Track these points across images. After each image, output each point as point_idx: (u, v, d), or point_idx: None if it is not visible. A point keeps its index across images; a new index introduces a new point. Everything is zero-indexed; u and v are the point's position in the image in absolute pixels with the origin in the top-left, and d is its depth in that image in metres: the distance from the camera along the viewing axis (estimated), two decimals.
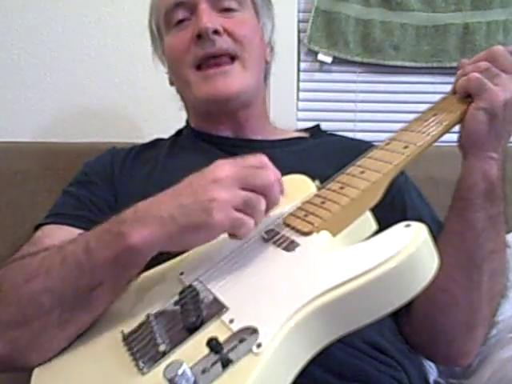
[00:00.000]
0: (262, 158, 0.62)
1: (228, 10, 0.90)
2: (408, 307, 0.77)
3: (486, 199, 0.73)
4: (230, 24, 0.88)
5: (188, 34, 0.88)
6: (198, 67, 0.88)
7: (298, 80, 1.43)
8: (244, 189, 0.59)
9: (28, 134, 1.35)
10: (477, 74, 0.71)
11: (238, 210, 0.58)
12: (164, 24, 0.92)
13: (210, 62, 0.87)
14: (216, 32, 0.85)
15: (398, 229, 0.55)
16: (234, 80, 0.87)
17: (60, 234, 0.80)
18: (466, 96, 0.73)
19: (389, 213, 0.69)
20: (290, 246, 0.61)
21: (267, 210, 0.61)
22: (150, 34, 1.00)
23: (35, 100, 1.36)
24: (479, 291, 0.75)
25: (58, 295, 0.61)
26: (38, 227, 0.84)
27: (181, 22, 0.89)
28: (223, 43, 0.87)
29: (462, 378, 0.96)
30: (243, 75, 0.89)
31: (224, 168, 0.60)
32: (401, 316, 0.79)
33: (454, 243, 0.75)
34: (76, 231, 0.81)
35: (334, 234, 0.62)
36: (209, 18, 0.85)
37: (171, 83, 1.00)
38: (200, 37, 0.85)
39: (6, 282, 0.66)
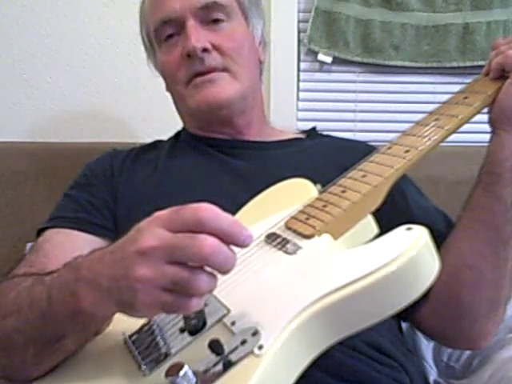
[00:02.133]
0: (201, 213, 0.49)
1: (216, 21, 0.90)
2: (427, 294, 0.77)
3: None
4: (219, 38, 0.88)
5: (178, 52, 0.88)
6: (189, 82, 0.89)
7: (298, 80, 1.43)
8: (174, 263, 0.48)
9: (28, 134, 1.35)
10: None
11: (167, 290, 0.49)
12: (154, 39, 0.93)
13: (198, 77, 0.88)
14: (205, 50, 0.86)
15: (400, 232, 0.55)
16: (222, 87, 0.88)
17: (59, 238, 0.82)
18: (498, 77, 0.75)
19: (392, 212, 0.69)
20: (292, 249, 0.61)
21: (222, 272, 0.50)
22: (142, 44, 1.01)
23: (35, 100, 1.36)
24: (505, 268, 0.75)
25: (28, 337, 0.60)
26: (39, 232, 0.85)
27: (170, 36, 0.90)
28: (212, 60, 0.87)
29: (462, 378, 0.97)
30: (233, 84, 0.89)
31: (152, 233, 0.50)
32: (420, 304, 0.77)
33: (482, 219, 0.76)
34: (75, 233, 0.83)
35: (336, 237, 0.63)
36: (197, 38, 0.86)
37: (167, 90, 1.01)
38: (189, 56, 0.86)
39: None
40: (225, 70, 0.89)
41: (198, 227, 0.48)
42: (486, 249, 0.75)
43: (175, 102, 0.98)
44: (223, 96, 0.88)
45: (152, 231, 0.50)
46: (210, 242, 0.47)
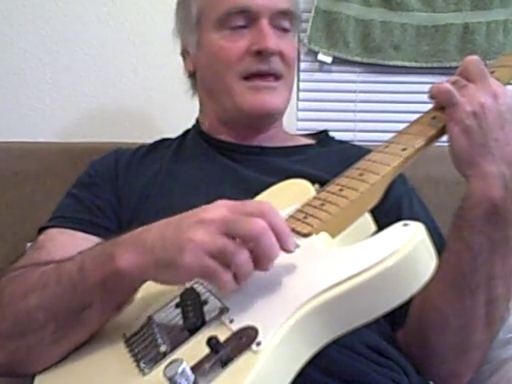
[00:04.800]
0: (264, 207, 0.55)
1: (284, 29, 0.91)
2: (404, 320, 0.76)
3: (486, 222, 0.67)
4: (284, 45, 0.90)
5: (243, 43, 0.88)
6: (245, 78, 0.89)
7: (298, 80, 1.43)
8: (228, 236, 0.54)
9: (28, 134, 1.35)
10: (447, 85, 0.68)
11: (213, 257, 0.53)
12: (216, 21, 0.90)
13: (257, 77, 0.88)
14: (273, 53, 0.88)
15: (396, 228, 0.55)
16: (278, 97, 0.90)
17: (62, 238, 0.81)
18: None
19: (385, 221, 0.67)
20: None
21: (262, 262, 0.54)
22: (180, 14, 0.98)
23: (35, 100, 1.36)
24: (472, 316, 0.70)
25: (52, 312, 0.61)
26: (41, 230, 0.85)
27: (237, 27, 0.89)
28: (275, 64, 0.89)
29: None
30: (285, 94, 0.92)
31: (217, 210, 0.56)
32: (397, 329, 0.78)
33: (450, 261, 0.70)
34: (78, 234, 0.82)
35: (333, 236, 0.62)
36: (273, 39, 0.87)
37: (190, 74, 0.99)
38: (259, 53, 0.87)
39: (5, 295, 0.67)
40: (282, 77, 0.90)
41: (257, 215, 0.54)
42: (451, 293, 0.70)
43: (211, 91, 0.95)
44: (277, 105, 0.90)
45: (215, 209, 0.56)
46: (263, 223, 0.53)
